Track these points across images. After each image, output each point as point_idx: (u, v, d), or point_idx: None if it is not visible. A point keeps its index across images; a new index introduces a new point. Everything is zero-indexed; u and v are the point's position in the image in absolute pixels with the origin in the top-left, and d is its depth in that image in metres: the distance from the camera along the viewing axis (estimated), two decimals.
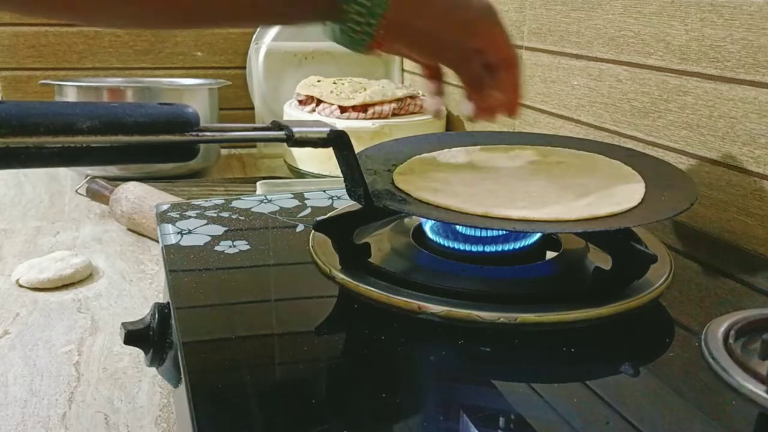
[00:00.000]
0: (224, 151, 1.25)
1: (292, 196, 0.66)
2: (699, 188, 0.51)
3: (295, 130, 0.43)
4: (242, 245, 0.54)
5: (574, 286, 0.48)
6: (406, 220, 0.56)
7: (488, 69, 0.53)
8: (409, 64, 1.33)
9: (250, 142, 1.18)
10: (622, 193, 0.50)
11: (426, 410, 0.36)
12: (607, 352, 0.42)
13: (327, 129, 0.44)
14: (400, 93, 1.07)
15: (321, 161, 1.04)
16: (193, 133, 0.40)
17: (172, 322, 0.44)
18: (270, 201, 0.65)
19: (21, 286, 0.74)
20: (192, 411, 0.34)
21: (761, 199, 0.59)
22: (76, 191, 1.04)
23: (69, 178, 1.12)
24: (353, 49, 0.49)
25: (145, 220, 0.87)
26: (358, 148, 0.47)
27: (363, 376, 0.40)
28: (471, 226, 0.49)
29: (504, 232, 0.49)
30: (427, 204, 0.48)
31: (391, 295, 0.44)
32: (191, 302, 0.45)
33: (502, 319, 0.42)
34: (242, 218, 0.60)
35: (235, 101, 1.31)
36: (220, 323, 0.43)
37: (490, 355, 0.40)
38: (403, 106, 1.07)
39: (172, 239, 0.55)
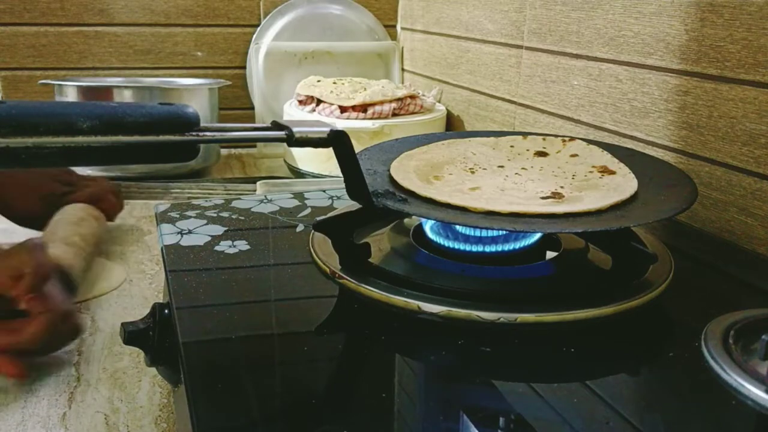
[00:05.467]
0: (224, 151, 1.25)
1: (292, 196, 0.66)
2: (699, 188, 0.51)
3: (295, 130, 0.43)
4: (242, 245, 0.54)
5: (574, 286, 0.48)
6: (406, 220, 0.56)
7: None
8: (409, 63, 1.33)
9: (250, 142, 1.18)
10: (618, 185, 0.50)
11: (426, 410, 0.36)
12: (607, 352, 0.42)
13: (327, 129, 0.44)
14: (400, 93, 1.07)
15: (321, 161, 1.04)
16: (193, 133, 0.40)
17: (172, 322, 0.44)
18: (270, 201, 0.65)
19: None
20: (192, 411, 0.34)
21: (761, 199, 0.59)
22: None
23: None
24: None
25: None
26: (358, 148, 0.47)
27: (363, 376, 0.40)
28: (471, 227, 0.49)
29: (504, 232, 0.49)
30: (427, 202, 0.48)
31: (391, 295, 0.44)
32: (191, 302, 0.45)
33: (502, 319, 0.42)
34: (242, 218, 0.60)
35: (235, 101, 1.31)
36: (220, 323, 0.43)
37: (490, 355, 0.40)
38: (403, 106, 1.07)
39: (172, 239, 0.55)
